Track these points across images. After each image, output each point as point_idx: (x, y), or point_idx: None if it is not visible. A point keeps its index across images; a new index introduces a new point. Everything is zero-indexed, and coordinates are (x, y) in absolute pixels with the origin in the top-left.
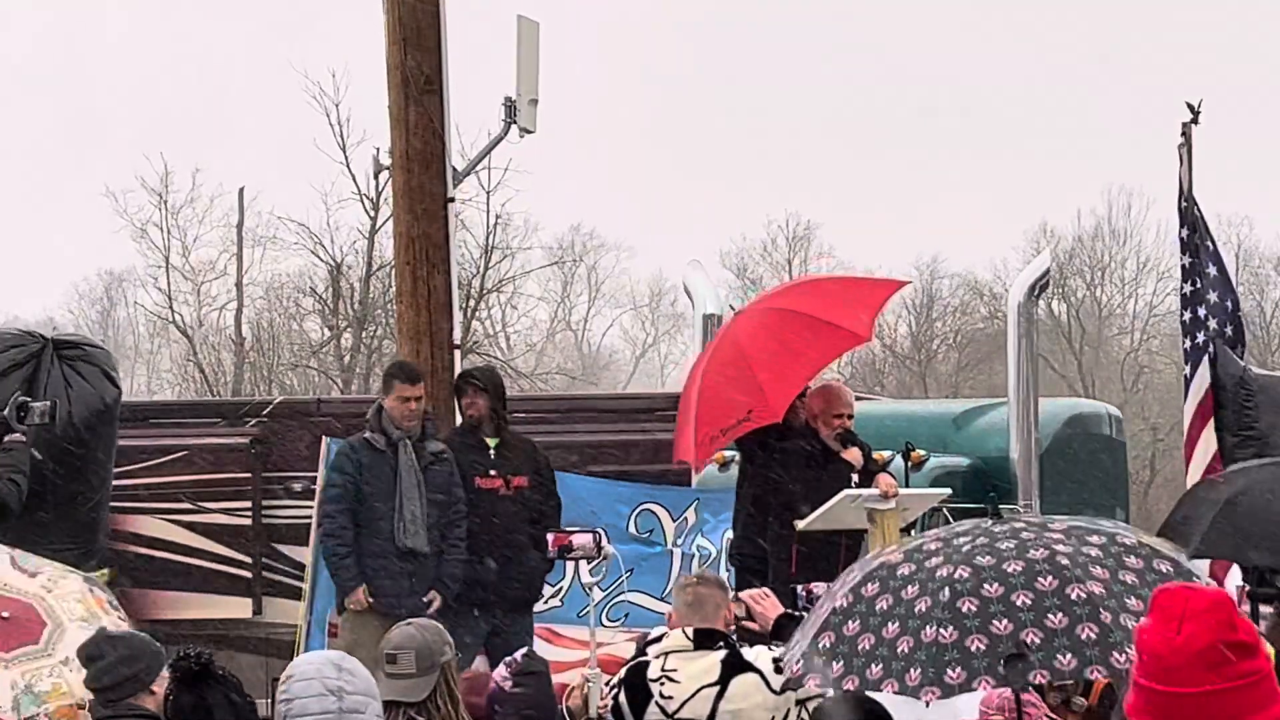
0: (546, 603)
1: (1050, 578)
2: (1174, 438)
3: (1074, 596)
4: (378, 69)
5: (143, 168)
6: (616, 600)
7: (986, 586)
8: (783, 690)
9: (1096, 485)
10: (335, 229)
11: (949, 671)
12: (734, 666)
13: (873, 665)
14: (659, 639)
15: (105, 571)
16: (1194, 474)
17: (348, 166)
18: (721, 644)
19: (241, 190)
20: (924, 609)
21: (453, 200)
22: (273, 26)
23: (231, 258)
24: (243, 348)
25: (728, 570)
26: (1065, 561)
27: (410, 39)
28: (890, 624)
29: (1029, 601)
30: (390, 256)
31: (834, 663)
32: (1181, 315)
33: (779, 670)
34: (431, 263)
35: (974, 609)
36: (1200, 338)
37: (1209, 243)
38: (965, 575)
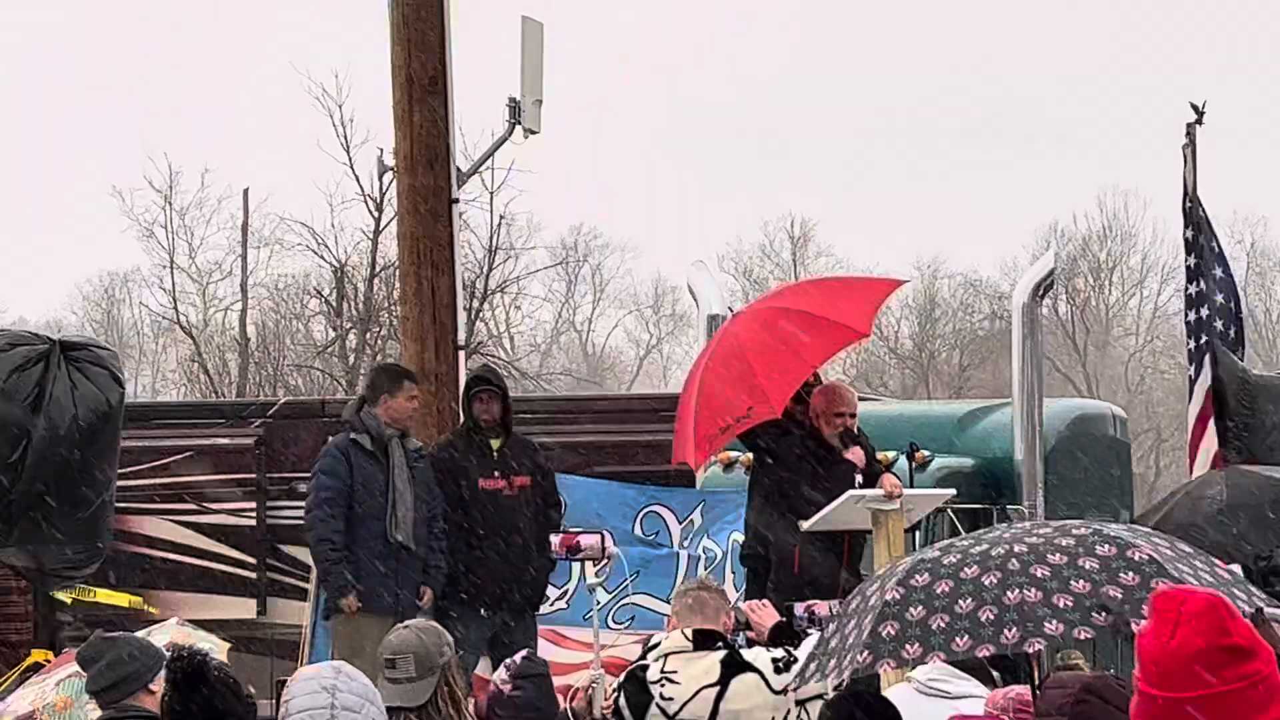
0: (552, 605)
1: (1108, 546)
2: (1178, 438)
3: (1137, 558)
4: (381, 69)
5: (149, 168)
6: (623, 602)
7: (1051, 556)
8: (783, 690)
9: (1101, 486)
10: (340, 230)
11: (1047, 624)
12: (734, 667)
13: (957, 638)
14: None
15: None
16: (1197, 474)
17: (351, 167)
18: (720, 644)
19: (246, 191)
20: (995, 580)
21: (457, 201)
22: (276, 26)
23: (236, 259)
24: (247, 349)
25: (733, 572)
26: (1113, 534)
27: (414, 39)
28: (962, 601)
29: (1096, 565)
30: (394, 257)
31: (907, 645)
32: (1186, 316)
33: (779, 670)
34: (435, 263)
35: (1048, 574)
36: (1205, 339)
37: (1214, 244)
38: (1025, 550)
